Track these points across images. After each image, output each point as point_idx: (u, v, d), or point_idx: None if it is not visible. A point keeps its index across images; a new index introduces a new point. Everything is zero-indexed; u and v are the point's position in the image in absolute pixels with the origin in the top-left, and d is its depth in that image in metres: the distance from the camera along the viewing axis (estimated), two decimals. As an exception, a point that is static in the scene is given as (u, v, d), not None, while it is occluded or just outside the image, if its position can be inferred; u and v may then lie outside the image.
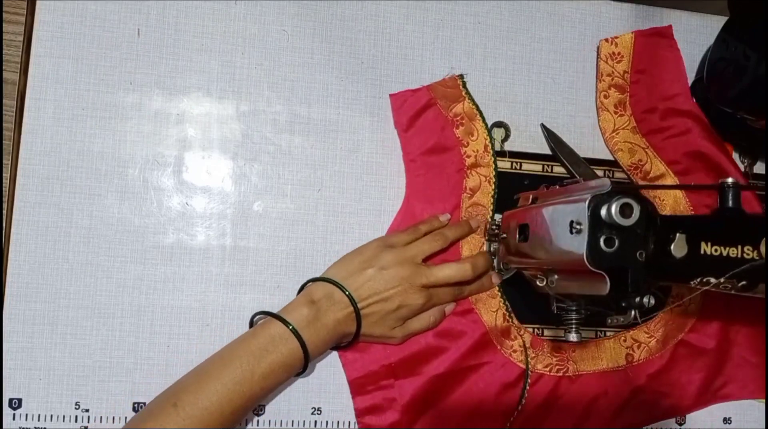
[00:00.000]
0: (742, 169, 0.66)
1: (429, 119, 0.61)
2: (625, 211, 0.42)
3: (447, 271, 0.55)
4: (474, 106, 0.61)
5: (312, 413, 0.57)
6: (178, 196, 0.57)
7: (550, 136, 0.62)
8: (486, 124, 0.61)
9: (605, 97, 0.63)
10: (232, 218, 0.57)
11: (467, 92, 0.61)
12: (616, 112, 0.63)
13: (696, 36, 0.66)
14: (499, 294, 0.60)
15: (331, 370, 0.57)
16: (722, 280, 0.43)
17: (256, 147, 0.58)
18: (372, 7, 0.61)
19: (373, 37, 0.61)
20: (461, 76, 0.62)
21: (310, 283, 0.55)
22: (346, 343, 0.56)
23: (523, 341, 0.59)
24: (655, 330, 0.61)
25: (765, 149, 0.65)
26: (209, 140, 0.58)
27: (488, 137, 0.61)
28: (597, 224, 0.43)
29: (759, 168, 0.67)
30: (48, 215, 0.55)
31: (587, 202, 0.43)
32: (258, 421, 0.56)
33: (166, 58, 0.58)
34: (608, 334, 0.60)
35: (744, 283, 0.43)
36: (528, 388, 0.58)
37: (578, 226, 0.43)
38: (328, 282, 0.53)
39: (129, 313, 0.55)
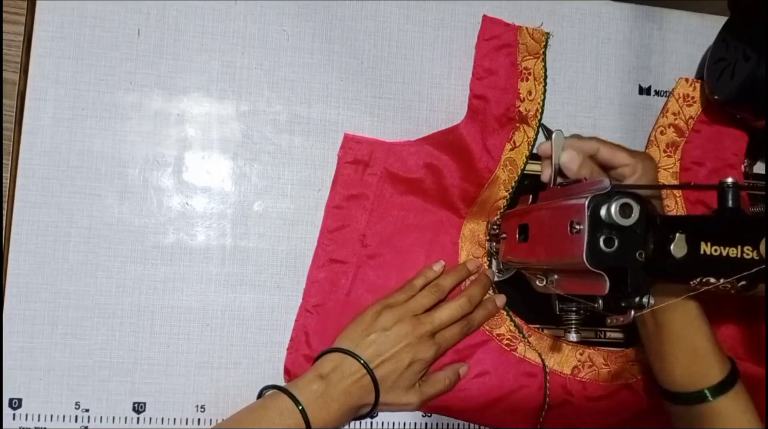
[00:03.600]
0: (743, 169, 0.65)
1: (502, 59, 0.60)
2: (624, 211, 0.42)
3: (446, 312, 0.55)
4: (544, 71, 0.61)
5: (312, 413, 0.57)
6: (178, 196, 0.57)
7: (549, 136, 0.62)
8: (545, 92, 0.61)
9: (661, 133, 0.63)
10: (232, 218, 0.57)
11: (545, 53, 0.61)
12: (665, 152, 0.63)
13: (696, 36, 0.66)
14: (505, 312, 0.60)
15: (331, 370, 0.57)
16: (722, 280, 0.43)
17: (256, 147, 0.58)
18: (372, 7, 0.61)
19: (373, 37, 0.61)
20: (548, 35, 0.62)
21: (320, 358, 0.54)
22: (364, 413, 0.55)
23: (520, 330, 0.60)
24: (613, 361, 0.61)
25: (765, 149, 0.65)
26: (209, 140, 0.58)
27: (542, 104, 0.61)
28: (597, 224, 0.43)
29: (759, 168, 0.67)
30: (48, 215, 0.55)
31: (587, 202, 0.43)
32: (258, 421, 0.56)
33: (166, 58, 0.58)
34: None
35: (744, 283, 0.43)
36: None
37: (578, 226, 0.43)
38: (338, 351, 0.52)
39: (129, 313, 0.55)
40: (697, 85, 0.63)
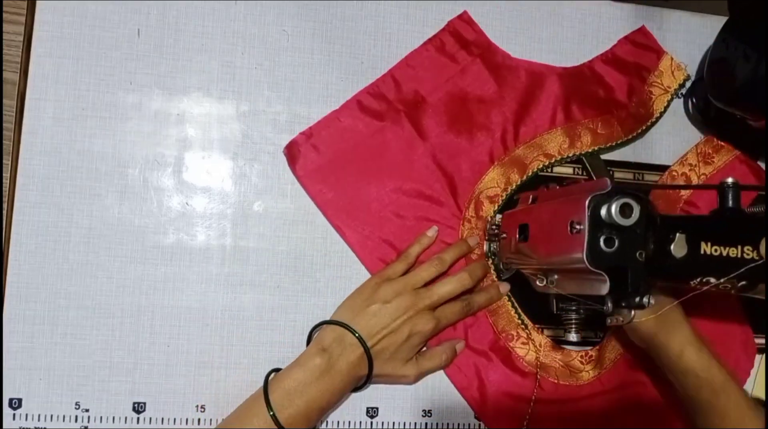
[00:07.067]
0: (740, 153, 0.66)
1: (631, 72, 0.63)
2: (624, 211, 0.42)
3: (447, 287, 0.55)
4: (663, 108, 0.63)
5: (312, 413, 0.57)
6: (178, 196, 0.57)
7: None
8: (650, 125, 0.63)
9: (672, 178, 0.64)
10: (232, 218, 0.57)
11: (675, 93, 0.64)
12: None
13: (696, 36, 0.66)
14: (509, 303, 0.60)
15: (331, 370, 0.57)
16: (722, 280, 0.43)
17: (256, 147, 0.58)
18: (372, 7, 0.61)
19: (373, 37, 0.61)
20: (688, 76, 0.64)
21: (319, 328, 0.55)
22: (359, 385, 0.55)
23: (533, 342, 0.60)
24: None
25: (765, 149, 0.65)
26: (209, 140, 0.58)
27: (638, 133, 0.63)
28: (597, 224, 0.43)
29: (759, 168, 0.67)
30: (48, 215, 0.55)
31: (587, 202, 0.43)
32: (258, 421, 0.56)
33: (166, 58, 0.58)
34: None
35: (744, 283, 0.43)
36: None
37: (578, 226, 0.43)
38: (337, 324, 0.53)
39: (129, 313, 0.55)
40: (722, 145, 0.65)
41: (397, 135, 0.59)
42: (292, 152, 0.58)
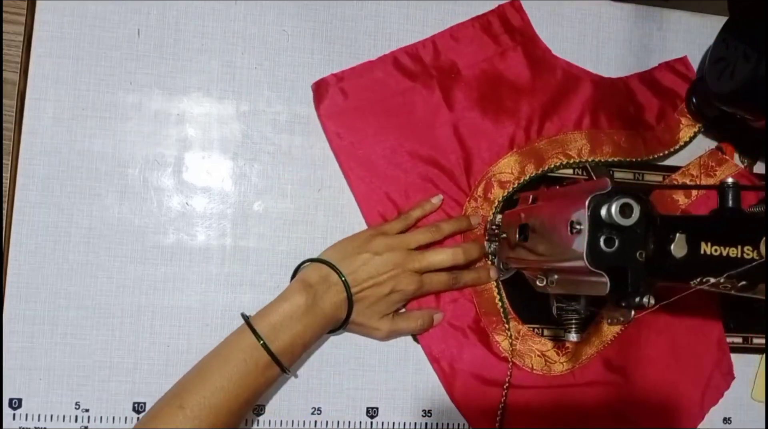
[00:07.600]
0: (742, 168, 0.66)
1: (667, 96, 0.64)
2: (625, 211, 0.42)
3: (439, 256, 0.56)
4: (688, 139, 0.64)
5: (312, 413, 0.57)
6: (178, 196, 0.57)
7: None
8: (670, 153, 0.64)
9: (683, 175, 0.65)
10: (232, 218, 0.57)
11: (699, 130, 0.64)
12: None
13: (696, 36, 0.66)
14: (495, 289, 0.60)
15: (330, 370, 0.58)
16: (722, 280, 0.43)
17: (256, 147, 0.58)
18: (372, 7, 0.61)
19: (373, 37, 0.61)
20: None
21: (307, 264, 0.55)
22: (335, 328, 0.55)
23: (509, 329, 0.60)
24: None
25: (765, 149, 0.65)
26: (209, 140, 0.58)
27: (662, 155, 0.63)
28: (597, 224, 0.43)
29: (759, 168, 0.67)
30: (48, 215, 0.55)
31: (587, 202, 0.43)
32: (258, 421, 0.56)
33: (166, 58, 0.58)
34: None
35: (744, 283, 0.43)
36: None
37: (578, 226, 0.43)
38: (324, 263, 0.53)
39: (129, 313, 0.55)
40: (725, 158, 0.65)
41: (425, 99, 0.60)
42: (319, 91, 0.58)
